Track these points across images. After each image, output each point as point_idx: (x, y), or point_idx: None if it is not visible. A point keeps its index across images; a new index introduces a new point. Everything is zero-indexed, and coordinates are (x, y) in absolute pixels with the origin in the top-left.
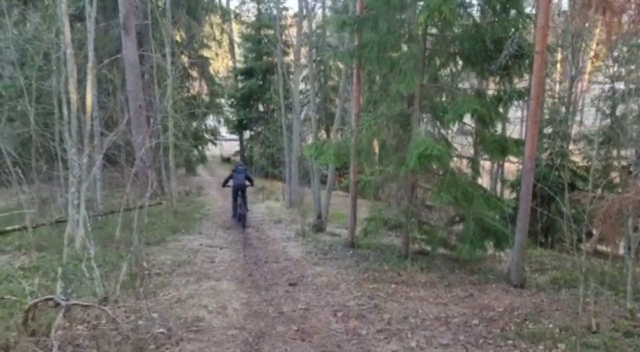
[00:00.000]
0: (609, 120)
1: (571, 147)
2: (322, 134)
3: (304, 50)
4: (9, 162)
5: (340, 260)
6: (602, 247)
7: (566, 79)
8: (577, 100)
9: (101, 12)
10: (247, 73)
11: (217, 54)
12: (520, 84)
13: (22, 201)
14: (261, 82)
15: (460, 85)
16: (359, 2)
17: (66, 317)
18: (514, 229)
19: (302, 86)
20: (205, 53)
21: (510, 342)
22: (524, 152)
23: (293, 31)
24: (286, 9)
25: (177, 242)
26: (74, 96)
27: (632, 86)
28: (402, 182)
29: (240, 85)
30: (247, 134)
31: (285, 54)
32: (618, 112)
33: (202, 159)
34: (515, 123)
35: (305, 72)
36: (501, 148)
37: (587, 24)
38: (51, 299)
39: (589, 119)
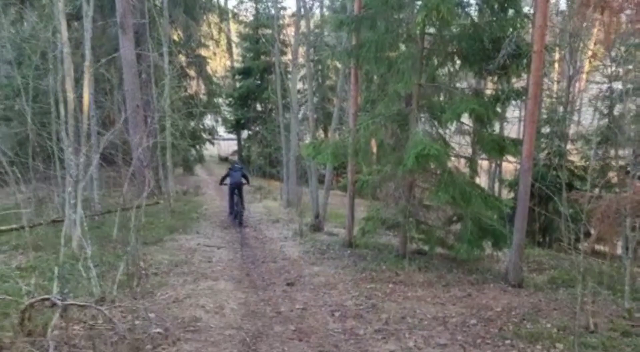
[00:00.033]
0: (606, 119)
1: (569, 146)
2: (320, 133)
3: (301, 50)
4: (4, 162)
5: (338, 260)
6: (599, 247)
7: (564, 79)
8: (575, 99)
9: (98, 11)
10: (245, 72)
11: (214, 54)
12: (518, 83)
13: (19, 200)
14: (259, 82)
15: (458, 84)
16: (356, 2)
17: (63, 317)
18: (511, 229)
19: (299, 86)
20: (203, 52)
21: (508, 342)
22: (521, 152)
23: (291, 31)
24: (284, 8)
25: (174, 242)
26: (70, 95)
27: (629, 86)
28: (399, 181)
29: (238, 84)
30: (244, 133)
31: (283, 53)
32: (616, 112)
33: (200, 159)
34: (513, 122)
35: (303, 72)
36: (499, 148)
37: (585, 24)
38: (48, 299)
39: (587, 119)
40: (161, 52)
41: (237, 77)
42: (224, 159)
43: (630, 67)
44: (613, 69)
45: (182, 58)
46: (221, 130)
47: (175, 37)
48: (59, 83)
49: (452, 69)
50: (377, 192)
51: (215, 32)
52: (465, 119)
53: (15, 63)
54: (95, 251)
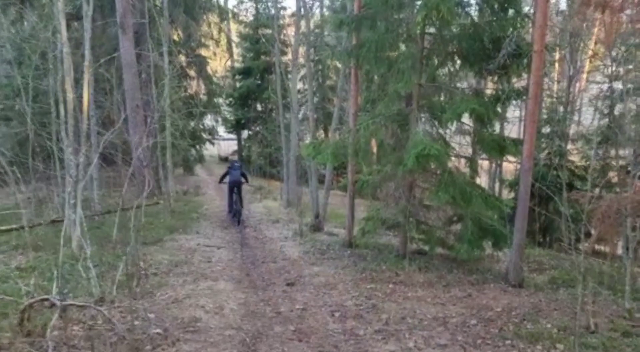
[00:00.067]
0: (607, 119)
1: (569, 146)
2: (320, 133)
3: (301, 50)
4: (3, 163)
5: (338, 260)
6: (600, 247)
7: (564, 79)
8: (575, 99)
9: (98, 10)
10: (245, 72)
11: (214, 54)
12: (518, 83)
13: (18, 200)
14: (259, 82)
15: (458, 84)
16: (356, 2)
17: (62, 318)
18: (512, 229)
19: (300, 86)
20: (203, 52)
21: (508, 342)
22: (522, 152)
23: (291, 31)
24: (284, 8)
25: (174, 242)
26: (70, 95)
27: (630, 85)
28: (400, 181)
29: (238, 84)
30: (245, 133)
31: (283, 53)
32: (616, 112)
33: (200, 159)
34: (513, 122)
35: (303, 72)
36: (499, 147)
37: (585, 23)
38: (47, 299)
39: (587, 119)
40: (161, 52)
41: (237, 77)
42: (224, 159)
43: (631, 66)
44: (613, 68)
45: (182, 58)
46: (221, 130)
47: (175, 37)
48: (58, 83)
49: (452, 69)
50: (377, 192)
51: (215, 32)
52: (466, 119)
53: (15, 63)
54: (95, 251)
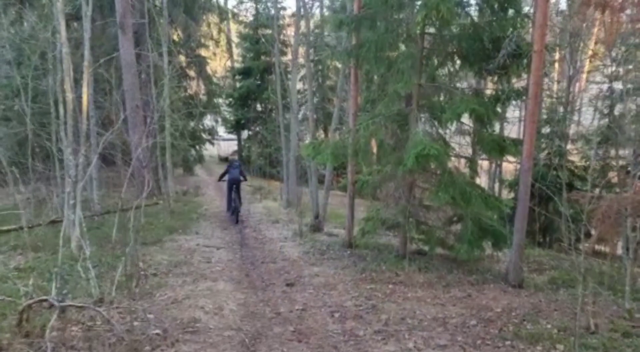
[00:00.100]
0: (607, 119)
1: (569, 146)
2: (320, 133)
3: (301, 50)
4: (4, 163)
5: (338, 260)
6: (600, 247)
7: (564, 79)
8: (575, 99)
9: (98, 11)
10: (245, 73)
11: (214, 54)
12: (518, 83)
13: (17, 200)
14: (259, 82)
15: (458, 84)
16: (356, 2)
17: (61, 319)
18: (512, 229)
19: (299, 86)
20: (203, 52)
21: (508, 343)
22: (522, 152)
23: (291, 31)
24: (284, 8)
25: (173, 243)
26: (69, 95)
27: (630, 86)
28: (400, 182)
29: (238, 84)
30: (245, 133)
31: (283, 53)
32: (616, 112)
33: (200, 159)
34: (513, 123)
35: (303, 72)
36: (499, 148)
37: (585, 23)
38: (46, 300)
39: (587, 119)
40: (161, 52)
41: (237, 77)
42: (224, 159)
43: (631, 66)
44: (613, 68)
45: (182, 58)
46: (221, 130)
47: (175, 37)
48: (58, 83)
49: (452, 69)
50: (377, 193)
51: (215, 32)
52: (465, 119)
53: (14, 63)
54: (94, 251)
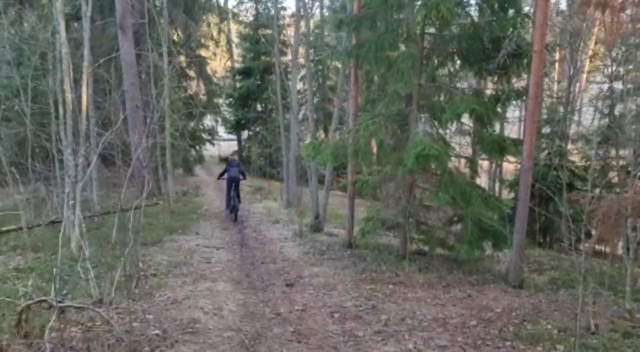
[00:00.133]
0: (607, 119)
1: (569, 146)
2: (320, 133)
3: (301, 50)
4: (4, 163)
5: (338, 260)
6: (600, 248)
7: (564, 79)
8: (576, 99)
9: (98, 11)
10: (245, 73)
11: (214, 54)
12: (518, 83)
13: (17, 201)
14: (259, 82)
15: (458, 84)
16: (356, 2)
17: (60, 319)
18: (512, 229)
19: (299, 86)
20: (203, 53)
21: (508, 343)
22: (522, 152)
23: (291, 31)
24: (284, 8)
25: (173, 243)
26: (69, 96)
27: (630, 86)
28: (400, 182)
29: (238, 85)
30: (245, 133)
31: (283, 53)
32: (616, 112)
33: (200, 159)
34: (513, 123)
35: (303, 72)
36: (499, 148)
37: (585, 23)
38: (45, 300)
39: (587, 119)
40: (160, 52)
41: (237, 77)
42: (224, 160)
43: (631, 66)
44: (613, 68)
45: (182, 58)
46: (221, 130)
47: (175, 38)
48: (58, 83)
49: (452, 69)
50: (377, 193)
51: (215, 33)
52: (466, 119)
53: (14, 63)
54: (94, 252)
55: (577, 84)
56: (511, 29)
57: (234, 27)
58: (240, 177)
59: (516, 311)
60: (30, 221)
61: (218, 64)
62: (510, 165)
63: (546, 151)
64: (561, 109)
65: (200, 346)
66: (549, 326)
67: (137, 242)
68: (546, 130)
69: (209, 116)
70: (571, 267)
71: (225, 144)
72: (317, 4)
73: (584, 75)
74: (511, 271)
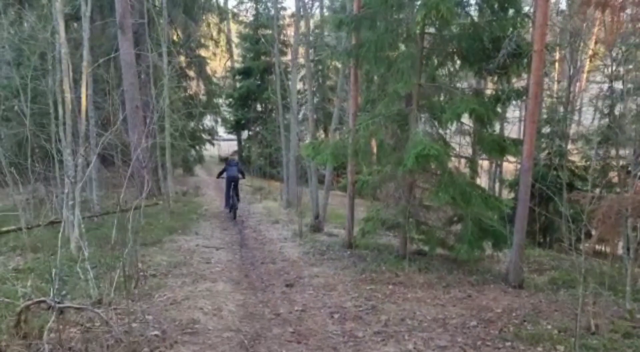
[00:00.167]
0: (607, 119)
1: (570, 146)
2: (320, 133)
3: (301, 50)
4: (4, 163)
5: (338, 261)
6: (600, 248)
7: (564, 78)
8: (576, 99)
9: (97, 11)
10: (245, 73)
11: (214, 54)
12: (518, 83)
13: (16, 201)
14: (259, 82)
15: (458, 84)
16: (356, 2)
17: (59, 320)
18: (512, 229)
19: (299, 86)
20: (203, 53)
21: (508, 343)
22: (522, 152)
23: (291, 31)
24: (284, 8)
25: (173, 243)
26: (69, 96)
27: (630, 85)
28: (400, 182)
29: (238, 85)
30: (245, 134)
31: (283, 53)
32: (616, 112)
33: (200, 159)
34: (513, 122)
35: (303, 72)
36: (499, 148)
37: (585, 23)
38: (44, 301)
39: (588, 119)
40: (160, 52)
41: (237, 77)
42: (223, 160)
43: (631, 66)
44: (613, 68)
45: (182, 58)
46: (221, 130)
47: (175, 38)
48: (57, 84)
49: (452, 69)
50: (377, 193)
51: (214, 33)
52: (466, 119)
53: (14, 64)
54: (94, 252)
55: (577, 84)
56: (511, 29)
57: (233, 27)
58: (240, 176)
59: (516, 311)
60: (30, 221)
61: (218, 64)
62: (510, 165)
63: (546, 151)
64: (561, 108)
65: (200, 346)
66: (549, 326)
67: (137, 243)
68: (546, 130)
69: (208, 116)
70: (571, 267)
71: (225, 144)
72: (317, 4)
73: (584, 75)
74: (511, 271)
